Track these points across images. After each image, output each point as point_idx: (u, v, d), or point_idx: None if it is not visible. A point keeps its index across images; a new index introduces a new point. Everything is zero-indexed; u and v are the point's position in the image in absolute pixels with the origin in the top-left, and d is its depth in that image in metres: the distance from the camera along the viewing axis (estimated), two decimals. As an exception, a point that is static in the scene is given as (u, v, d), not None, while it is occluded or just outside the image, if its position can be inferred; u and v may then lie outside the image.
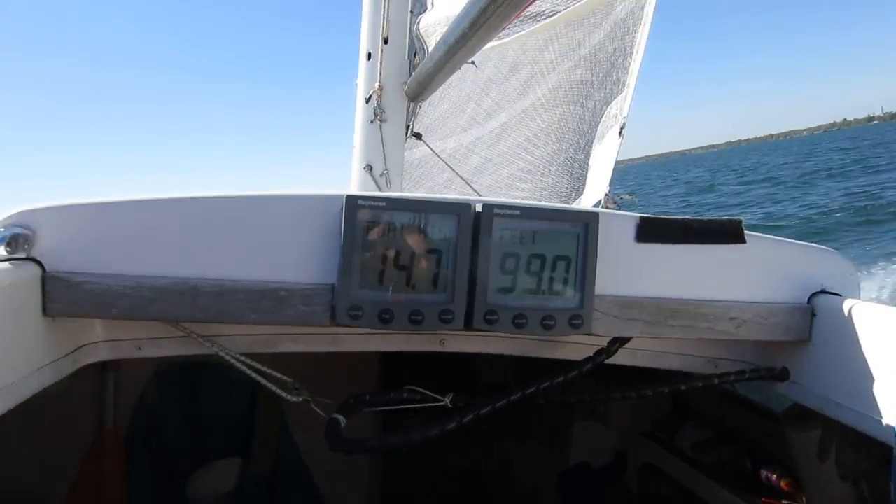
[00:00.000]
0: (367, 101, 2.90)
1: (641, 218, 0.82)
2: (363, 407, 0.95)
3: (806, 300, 0.88)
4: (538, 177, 3.83)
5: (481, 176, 4.69)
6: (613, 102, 2.96)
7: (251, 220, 0.75)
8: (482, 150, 4.67)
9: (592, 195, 3.00)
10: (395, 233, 0.76)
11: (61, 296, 0.69)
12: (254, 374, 0.86)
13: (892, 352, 0.74)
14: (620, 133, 2.79)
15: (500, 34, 2.31)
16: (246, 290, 0.74)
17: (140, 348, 0.80)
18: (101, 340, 0.80)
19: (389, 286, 0.76)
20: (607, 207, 2.65)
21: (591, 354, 0.85)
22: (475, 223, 0.77)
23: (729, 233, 0.83)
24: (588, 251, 0.77)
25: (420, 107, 3.05)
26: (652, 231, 0.82)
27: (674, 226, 0.81)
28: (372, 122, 2.89)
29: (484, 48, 1.67)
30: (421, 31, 2.87)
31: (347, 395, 0.97)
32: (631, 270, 0.83)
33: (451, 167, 3.57)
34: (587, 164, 3.14)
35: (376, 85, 2.87)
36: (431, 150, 3.25)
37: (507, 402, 0.93)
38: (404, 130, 2.97)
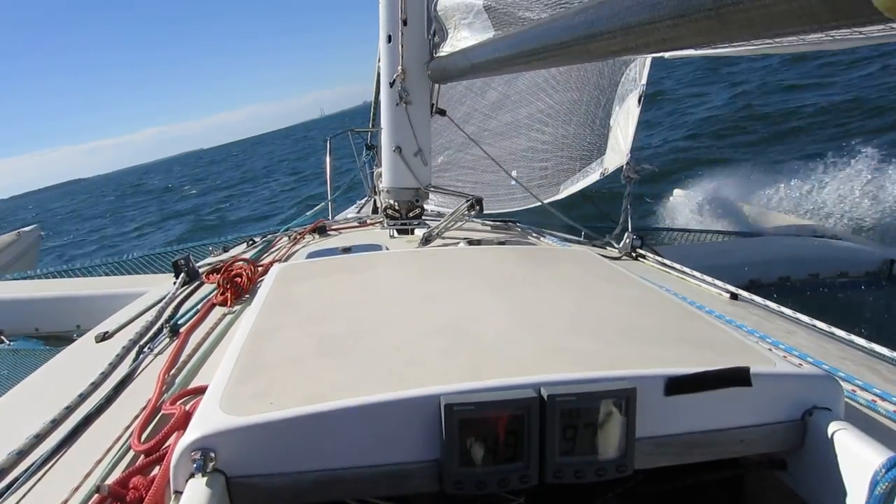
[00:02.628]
0: (392, 84, 2.98)
1: (669, 378, 1.04)
2: None
3: (800, 416, 1.12)
4: (560, 123, 3.93)
5: (500, 112, 4.76)
6: (632, 64, 3.02)
7: (371, 421, 0.99)
8: (500, 85, 4.71)
9: (614, 160, 3.13)
10: (482, 425, 0.99)
11: (244, 495, 0.97)
12: None
13: (866, 461, 0.99)
14: (639, 101, 2.88)
15: None
16: (376, 474, 1.00)
17: None
18: None
19: (481, 462, 1.01)
20: (628, 177, 2.79)
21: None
22: (541, 409, 1.01)
23: (738, 379, 1.06)
24: (629, 414, 1.01)
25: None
26: (677, 387, 1.05)
27: (694, 380, 1.04)
28: (398, 104, 2.99)
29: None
30: (439, 13, 2.88)
31: None
32: (662, 417, 1.07)
33: (477, 143, 3.70)
34: (608, 124, 3.25)
35: (399, 68, 2.94)
36: (456, 125, 3.35)
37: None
38: (429, 110, 3.07)
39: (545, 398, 1.02)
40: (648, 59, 2.91)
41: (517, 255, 1.99)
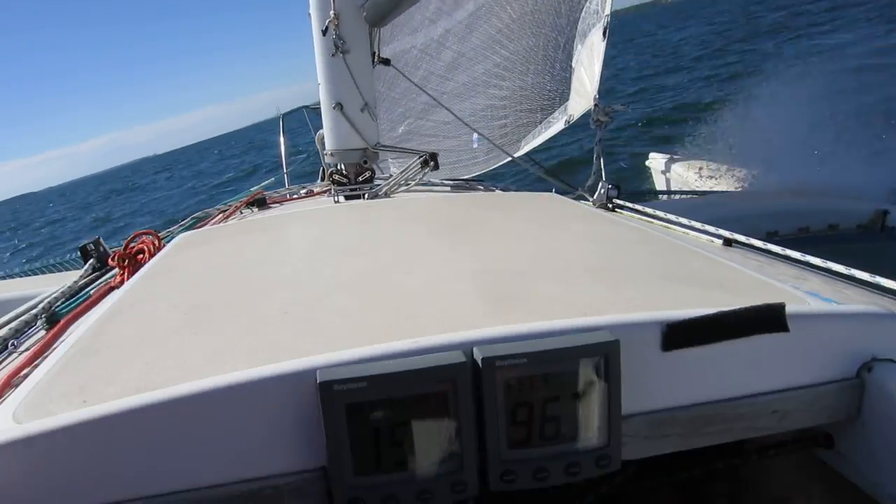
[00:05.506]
0: (324, 32, 2.63)
1: (668, 325, 0.73)
2: None
3: (855, 373, 0.81)
4: (517, 75, 3.62)
5: (456, 73, 4.45)
6: (592, -4, 2.70)
7: (217, 415, 0.67)
8: (454, 43, 4.38)
9: (580, 104, 2.84)
10: (384, 409, 0.67)
11: None
12: None
13: None
14: (604, 35, 2.58)
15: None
16: (228, 496, 0.68)
17: None
18: None
19: (388, 466, 0.69)
20: (598, 121, 2.49)
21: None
22: (475, 380, 0.69)
23: (769, 322, 0.76)
24: (611, 381, 0.70)
25: (381, 31, 2.77)
26: (680, 336, 0.74)
27: (704, 324, 0.73)
28: (333, 55, 2.65)
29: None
30: (370, -55, 2.53)
31: None
32: (659, 382, 0.76)
33: (425, 91, 3.35)
34: (569, 66, 2.94)
35: (331, 13, 2.59)
36: (405, 76, 3.02)
37: None
38: (371, 59, 2.73)
39: (479, 363, 0.69)
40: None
41: (473, 200, 1.68)
